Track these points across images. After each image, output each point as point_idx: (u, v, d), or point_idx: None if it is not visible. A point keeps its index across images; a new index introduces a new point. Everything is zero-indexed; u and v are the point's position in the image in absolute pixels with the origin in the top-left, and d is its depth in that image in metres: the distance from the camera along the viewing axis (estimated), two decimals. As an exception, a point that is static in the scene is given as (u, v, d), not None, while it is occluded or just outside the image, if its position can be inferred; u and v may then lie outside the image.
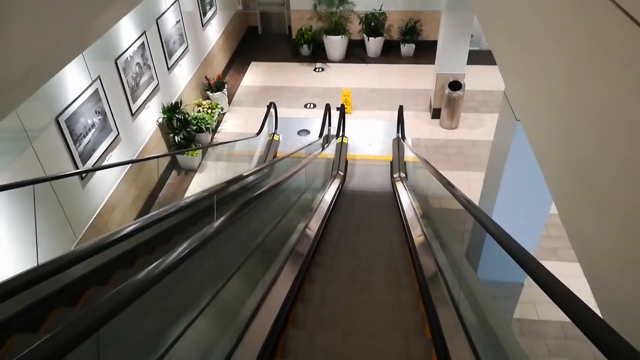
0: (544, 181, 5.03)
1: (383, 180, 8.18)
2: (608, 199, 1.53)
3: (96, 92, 6.15)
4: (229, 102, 10.54)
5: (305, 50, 12.31)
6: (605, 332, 1.15)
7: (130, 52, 7.01)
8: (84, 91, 5.86)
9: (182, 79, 9.00)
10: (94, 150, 6.15)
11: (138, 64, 7.28)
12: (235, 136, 9.40)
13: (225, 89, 10.10)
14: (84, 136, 5.93)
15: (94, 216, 6.14)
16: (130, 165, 7.01)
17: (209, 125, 8.92)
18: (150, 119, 7.80)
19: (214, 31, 10.81)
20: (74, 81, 5.66)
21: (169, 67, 8.40)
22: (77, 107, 5.74)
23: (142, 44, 7.37)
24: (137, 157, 7.32)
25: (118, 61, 6.68)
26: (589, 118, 1.65)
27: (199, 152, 8.58)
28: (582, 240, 1.89)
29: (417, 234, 5.14)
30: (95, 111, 6.18)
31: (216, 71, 10.62)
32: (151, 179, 7.83)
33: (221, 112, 9.95)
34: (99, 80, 6.20)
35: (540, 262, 1.70)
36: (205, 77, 9.87)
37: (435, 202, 5.64)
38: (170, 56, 8.46)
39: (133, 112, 7.15)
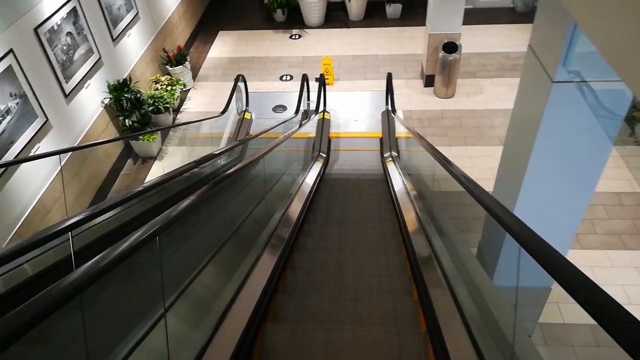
0: (586, 162, 3.67)
1: (372, 162, 7.06)
2: None
3: (9, 69, 4.89)
4: (194, 77, 9.26)
5: (279, 15, 10.98)
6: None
7: (56, 19, 5.71)
8: (-12, 68, 4.61)
9: (132, 52, 7.70)
10: (11, 142, 4.93)
11: (69, 33, 5.98)
12: (200, 115, 8.16)
13: (187, 62, 8.80)
14: (-5, 126, 4.70)
15: (20, 223, 4.97)
16: (67, 156, 5.80)
17: (167, 105, 7.67)
18: (93, 100, 6.54)
19: (173, -4, 9.43)
20: (-29, 55, 4.41)
21: (114, 37, 7.09)
22: (-20, 89, 4.50)
23: (73, 9, 6.06)
24: (77, 146, 6.11)
25: (39, 30, 5.39)
26: None
27: (158, 136, 7.36)
28: None
29: (414, 229, 4.09)
30: (10, 93, 4.93)
31: (177, 42, 9.29)
32: (99, 170, 6.63)
33: (184, 89, 8.68)
34: (12, 54, 4.93)
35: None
36: (163, 50, 8.56)
37: (436, 187, 4.62)
38: (115, 25, 7.14)
39: (67, 92, 5.89)
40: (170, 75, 8.53)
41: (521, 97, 3.47)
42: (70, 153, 5.85)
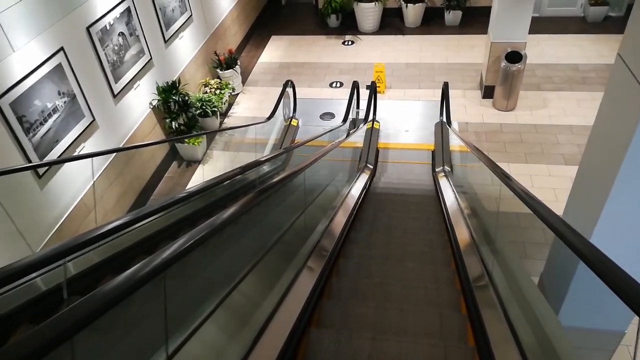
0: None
1: (423, 176, 6.64)
2: None
3: (59, 67, 4.88)
4: (243, 82, 9.16)
5: (333, 21, 10.75)
6: None
7: (109, 19, 5.70)
8: (38, 66, 4.60)
9: (184, 54, 7.67)
10: (57, 141, 4.91)
11: (122, 34, 5.97)
12: (247, 120, 8.04)
13: (237, 66, 8.71)
14: (42, 124, 4.68)
15: (61, 222, 4.94)
16: (112, 156, 5.77)
17: (215, 109, 7.58)
18: (141, 101, 6.52)
19: (227, 0, 9.40)
20: (23, 53, 4.41)
21: (166, 39, 7.07)
22: (30, 86, 4.49)
23: (127, 9, 6.05)
24: (123, 147, 6.08)
25: (92, 29, 5.39)
26: None
27: (203, 140, 7.27)
28: None
29: (469, 256, 3.66)
30: (59, 92, 4.92)
31: (229, 46, 9.24)
32: (143, 172, 6.59)
33: (232, 93, 8.60)
34: (62, 52, 4.93)
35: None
36: (215, 53, 8.51)
37: (493, 206, 4.18)
38: (168, 26, 7.12)
39: (115, 93, 5.87)
40: (220, 79, 8.46)
41: (606, 111, 3.00)
42: (115, 153, 5.82)
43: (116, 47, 5.87)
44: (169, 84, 6.84)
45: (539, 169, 6.62)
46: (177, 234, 3.74)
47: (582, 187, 3.37)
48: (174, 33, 7.31)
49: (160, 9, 6.88)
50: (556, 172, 6.53)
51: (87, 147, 5.38)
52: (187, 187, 6.93)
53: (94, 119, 5.45)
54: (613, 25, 9.67)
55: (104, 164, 5.65)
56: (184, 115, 7.00)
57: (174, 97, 6.78)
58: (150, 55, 6.62)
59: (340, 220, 4.45)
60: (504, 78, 7.52)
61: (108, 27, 5.70)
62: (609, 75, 2.96)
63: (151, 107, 6.71)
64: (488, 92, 8.01)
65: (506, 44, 7.40)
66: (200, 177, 7.04)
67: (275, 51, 10.19)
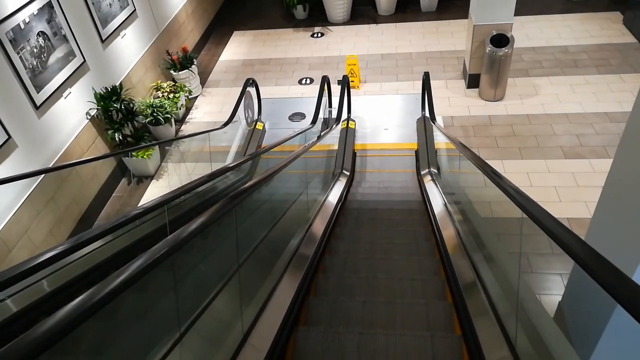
0: None
1: (407, 181, 5.83)
2: None
3: (-48, 76, 3.93)
4: (203, 83, 8.24)
5: (300, 12, 9.88)
6: None
7: (23, 16, 4.75)
8: None
9: (128, 55, 6.72)
10: (-45, 168, 3.96)
11: (42, 33, 5.02)
12: (208, 126, 7.12)
13: (194, 66, 7.79)
14: None
15: (-31, 267, 3.99)
16: (38, 179, 4.83)
17: (168, 115, 6.65)
18: (76, 111, 5.57)
19: (180, -7, 8.46)
20: None
21: (104, 38, 6.12)
22: None
23: (48, 4, 5.10)
24: (52, 167, 5.15)
25: (-2, 29, 4.44)
26: None
27: (155, 152, 6.35)
28: None
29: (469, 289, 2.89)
30: (-45, 107, 3.97)
31: (185, 44, 8.30)
32: (84, 194, 5.65)
33: (189, 96, 7.68)
34: (-44, 58, 3.98)
35: None
36: (167, 52, 7.57)
37: (488, 212, 3.48)
38: (105, 24, 6.17)
39: (38, 104, 4.92)
40: (175, 81, 7.54)
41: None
42: (42, 175, 4.88)
43: (35, 50, 4.91)
44: (108, 89, 5.90)
45: (536, 165, 5.86)
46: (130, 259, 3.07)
47: (616, 203, 2.56)
48: (114, 31, 6.36)
49: (93, 3, 5.92)
50: (556, 167, 5.78)
51: (1, 172, 4.43)
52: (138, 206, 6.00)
53: (9, 137, 4.50)
54: (599, 2, 8.99)
55: (28, 190, 4.70)
56: (129, 124, 6.07)
57: (115, 105, 5.84)
58: (84, 58, 5.68)
59: (311, 246, 3.60)
60: (490, 64, 6.75)
61: (22, 26, 4.74)
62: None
63: (89, 117, 5.77)
64: (473, 82, 7.24)
65: (490, 27, 6.63)
66: (153, 194, 6.13)
67: (238, 48, 9.28)
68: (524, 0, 9.24)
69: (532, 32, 8.39)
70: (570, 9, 8.95)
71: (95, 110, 5.82)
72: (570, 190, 5.46)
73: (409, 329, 2.72)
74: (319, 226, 4.11)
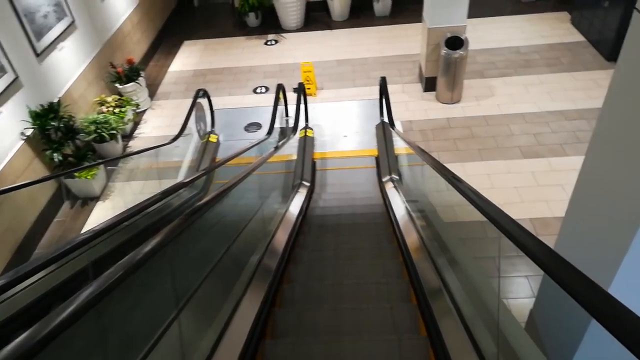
0: None
1: (369, 188, 5.66)
2: None
3: None
4: (152, 96, 7.85)
5: (252, 19, 9.63)
6: None
7: (-61, 29, 4.30)
8: None
9: (68, 69, 6.28)
10: None
11: (-36, 47, 4.57)
12: (159, 141, 6.73)
13: (142, 78, 7.40)
14: None
15: None
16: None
17: (114, 131, 6.25)
18: (8, 132, 5.11)
19: (124, 3, 8.04)
20: None
21: (38, 52, 5.68)
22: None
23: (-31, 15, 4.66)
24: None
25: None
26: None
27: (100, 171, 5.93)
28: None
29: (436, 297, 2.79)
30: None
31: (131, 56, 7.89)
32: (20, 221, 5.18)
33: (137, 110, 7.28)
34: None
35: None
36: (111, 64, 7.15)
37: (452, 217, 3.41)
38: (40, 36, 5.73)
39: (-39, 125, 4.47)
40: (121, 95, 7.13)
41: (625, 95, 2.05)
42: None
43: (-44, 66, 4.46)
44: (45, 107, 5.46)
45: (496, 166, 5.81)
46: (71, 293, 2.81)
47: (588, 210, 2.43)
48: (50, 44, 5.92)
49: (25, 15, 5.49)
50: (515, 167, 5.75)
51: None
52: (82, 231, 5.58)
53: None
54: (547, 3, 9.18)
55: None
56: (70, 143, 5.65)
57: (53, 123, 5.41)
58: (16, 74, 5.23)
59: (271, 264, 3.35)
60: (446, 67, 6.70)
61: (-61, 40, 4.30)
62: (624, 48, 2.01)
63: (24, 138, 5.32)
64: (430, 85, 7.18)
65: (444, 29, 6.58)
66: (99, 216, 5.71)
67: (189, 58, 8.93)
68: (474, 2, 9.32)
69: (485, 34, 8.45)
70: (520, 11, 9.09)
71: (31, 129, 5.37)
72: (530, 189, 5.42)
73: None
74: (281, 237, 3.89)
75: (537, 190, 5.38)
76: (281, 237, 3.93)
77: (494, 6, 9.31)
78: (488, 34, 8.47)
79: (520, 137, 6.21)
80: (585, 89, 6.88)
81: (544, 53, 7.79)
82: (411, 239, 3.77)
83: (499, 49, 8.05)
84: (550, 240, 4.78)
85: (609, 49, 7.22)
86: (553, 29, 8.39)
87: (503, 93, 7.06)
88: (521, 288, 4.45)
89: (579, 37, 8.03)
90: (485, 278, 3.59)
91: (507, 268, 4.67)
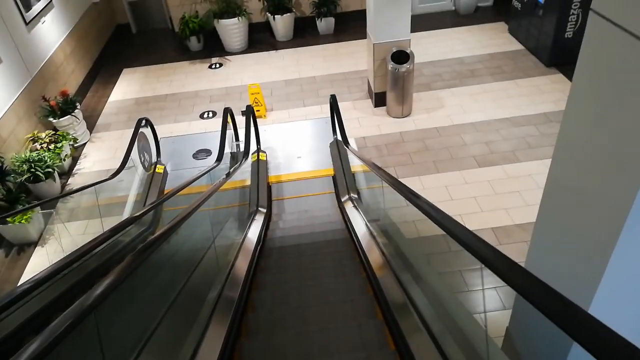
0: None
1: (328, 210, 5.47)
2: None
3: None
4: (91, 128, 7.39)
5: (194, 43, 9.36)
6: None
7: None
8: None
9: (-8, 104, 5.78)
10: None
11: None
12: (101, 175, 6.30)
13: (78, 110, 6.94)
14: None
15: None
16: None
17: (49, 169, 5.78)
18: None
19: (53, 33, 7.58)
20: None
21: (-43, 88, 5.18)
22: None
23: None
24: None
25: None
26: None
27: (36, 214, 5.44)
28: None
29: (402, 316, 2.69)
30: None
31: (65, 87, 7.41)
32: (-55, 278, 4.62)
33: (74, 145, 6.81)
34: None
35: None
36: (43, 98, 6.66)
37: (414, 232, 3.35)
38: (-43, 71, 5.24)
39: None
40: (56, 130, 6.65)
41: (590, 103, 1.95)
42: None
43: None
44: (-33, 148, 4.97)
45: (452, 178, 5.79)
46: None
47: (560, 221, 2.31)
48: (-30, 79, 5.43)
49: (-61, 49, 5.00)
50: (471, 177, 5.75)
51: None
52: (20, 283, 5.06)
53: None
54: (484, 15, 9.48)
55: None
56: (0, 186, 5.15)
57: (-23, 166, 4.92)
58: None
59: (232, 292, 3.08)
60: (394, 82, 6.68)
61: None
62: (582, 50, 1.93)
63: (-56, 184, 4.79)
64: (380, 100, 7.15)
65: (390, 44, 6.59)
66: (38, 264, 5.21)
67: (129, 86, 8.52)
68: (415, 17, 9.49)
69: (428, 47, 8.58)
70: (460, 23, 9.32)
71: (-48, 174, 4.85)
72: (489, 198, 5.41)
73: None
74: (241, 266, 3.65)
75: (495, 198, 5.38)
76: (241, 266, 3.67)
77: (433, 20, 9.51)
78: (431, 47, 8.61)
79: (473, 146, 6.24)
80: (529, 95, 7.06)
81: (487, 62, 7.98)
82: (374, 256, 3.66)
83: (443, 61, 8.17)
84: (513, 249, 4.77)
85: (548, 55, 7.48)
86: (492, 39, 8.64)
87: (452, 104, 7.13)
88: (491, 300, 4.37)
89: (517, 46, 8.29)
90: (452, 292, 3.49)
91: (473, 281, 4.58)
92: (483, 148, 6.17)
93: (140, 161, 5.87)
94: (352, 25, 9.56)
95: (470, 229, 1.82)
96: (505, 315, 4.09)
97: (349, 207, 5.04)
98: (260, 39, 9.62)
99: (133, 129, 6.02)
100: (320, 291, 3.46)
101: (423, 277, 2.96)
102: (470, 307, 4.11)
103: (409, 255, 3.30)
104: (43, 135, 6.25)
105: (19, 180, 5.54)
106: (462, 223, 1.94)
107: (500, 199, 5.37)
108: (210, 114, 7.58)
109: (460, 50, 8.44)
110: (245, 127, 5.99)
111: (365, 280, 3.50)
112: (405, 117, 6.97)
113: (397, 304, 3.02)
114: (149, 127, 6.35)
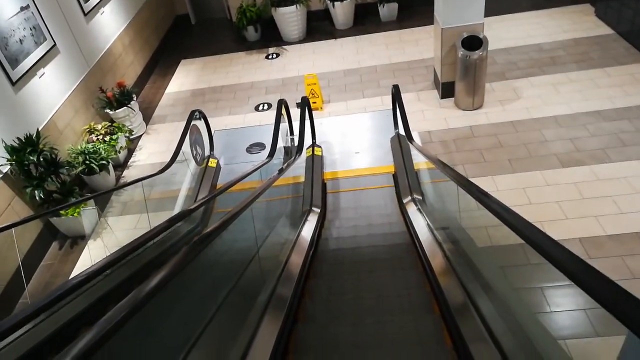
0: None
1: (388, 212, 4.99)
2: None
3: None
4: (147, 120, 7.32)
5: (251, 33, 9.11)
6: None
7: None
8: None
9: (49, 96, 5.76)
10: None
11: None
12: (155, 168, 6.17)
13: (134, 102, 6.87)
14: None
15: None
16: None
17: (104, 162, 5.70)
18: (-20, 170, 4.58)
19: (112, 24, 7.56)
20: None
21: (14, 80, 5.16)
22: None
23: None
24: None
25: None
26: None
27: (89, 207, 5.36)
28: None
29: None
30: None
31: (124, 78, 7.38)
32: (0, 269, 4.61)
33: (130, 137, 6.74)
34: None
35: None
36: (100, 89, 6.63)
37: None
38: (15, 63, 5.22)
39: None
40: (113, 122, 6.60)
41: None
42: None
43: None
44: (22, 139, 4.93)
45: (531, 178, 5.11)
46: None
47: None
48: (28, 71, 5.41)
49: (-3, 39, 4.99)
50: (554, 178, 5.05)
51: None
52: (72, 275, 5.00)
53: None
54: (567, -4, 8.53)
55: None
56: (54, 177, 5.09)
57: (32, 157, 4.86)
58: (-12, 105, 4.71)
59: (277, 316, 2.72)
60: (464, 70, 6.05)
61: None
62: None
63: (0, 175, 4.77)
64: (447, 91, 6.53)
65: (460, 29, 5.96)
66: (90, 258, 5.12)
67: (186, 78, 8.41)
68: (488, 0, 8.71)
69: (501, 33, 7.80)
70: (538, 5, 8.44)
71: (8, 166, 4.83)
72: (575, 204, 4.71)
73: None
74: (290, 274, 3.28)
75: (582, 204, 4.67)
76: (290, 276, 3.30)
77: (509, 2, 8.67)
78: (505, 32, 7.83)
79: (555, 143, 5.51)
80: (622, 85, 6.18)
81: (570, 49, 7.11)
82: (445, 280, 3.13)
83: (519, 48, 7.39)
84: (607, 265, 4.07)
85: (644, 40, 6.53)
86: (576, 23, 7.72)
87: (530, 95, 6.38)
88: (579, 324, 3.75)
89: (606, 30, 7.34)
90: (532, 313, 2.94)
91: (558, 300, 3.95)
92: (567, 145, 5.42)
93: (192, 155, 5.66)
94: (417, 11, 8.93)
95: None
96: (596, 343, 3.49)
97: (412, 210, 4.53)
98: (318, 27, 9.21)
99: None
100: (378, 304, 3.04)
101: (500, 298, 2.48)
102: (554, 332, 3.53)
103: (482, 268, 2.81)
104: (99, 126, 6.20)
105: (73, 172, 5.48)
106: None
107: (589, 204, 4.65)
108: (266, 106, 7.28)
109: (538, 35, 7.60)
110: (300, 120, 5.61)
111: (439, 318, 2.98)
112: (476, 109, 6.32)
113: (469, 328, 2.55)
114: (202, 120, 6.14)
